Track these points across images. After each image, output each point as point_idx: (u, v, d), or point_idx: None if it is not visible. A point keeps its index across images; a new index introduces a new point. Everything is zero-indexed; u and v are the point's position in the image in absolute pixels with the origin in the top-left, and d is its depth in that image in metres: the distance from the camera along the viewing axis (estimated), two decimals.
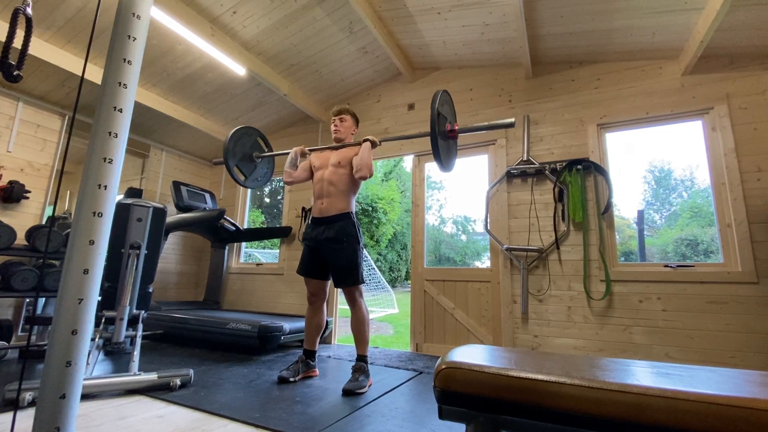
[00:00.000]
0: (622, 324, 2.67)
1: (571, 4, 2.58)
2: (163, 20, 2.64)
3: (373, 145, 2.27)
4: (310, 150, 2.48)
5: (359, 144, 2.32)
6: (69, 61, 2.92)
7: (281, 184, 7.69)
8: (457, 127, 2.07)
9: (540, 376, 0.90)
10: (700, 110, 2.72)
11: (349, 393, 2.00)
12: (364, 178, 2.23)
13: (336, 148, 2.40)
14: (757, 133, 2.53)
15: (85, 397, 1.80)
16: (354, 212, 2.34)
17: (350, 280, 2.21)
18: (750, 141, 2.54)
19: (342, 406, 1.83)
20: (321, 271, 2.33)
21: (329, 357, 2.96)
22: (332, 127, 2.45)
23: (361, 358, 2.21)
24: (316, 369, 2.41)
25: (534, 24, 2.82)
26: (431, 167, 3.79)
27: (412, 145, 3.69)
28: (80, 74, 2.99)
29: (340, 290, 3.98)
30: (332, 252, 2.23)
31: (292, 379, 2.23)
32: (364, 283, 2.26)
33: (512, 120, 1.99)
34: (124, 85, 1.00)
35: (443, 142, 2.01)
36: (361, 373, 2.14)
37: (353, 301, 2.23)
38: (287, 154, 2.52)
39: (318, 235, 2.27)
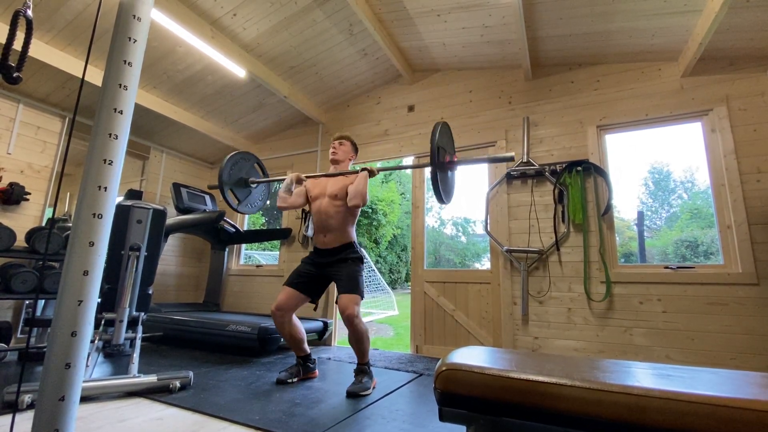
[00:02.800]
0: (622, 325, 2.67)
1: (571, 6, 2.59)
2: (163, 22, 2.65)
3: (371, 174, 2.27)
4: (307, 177, 2.46)
5: (356, 173, 2.31)
6: (69, 63, 2.92)
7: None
8: (456, 159, 2.08)
9: (541, 378, 0.90)
10: (699, 112, 2.72)
11: (354, 395, 2.01)
12: (357, 207, 2.25)
13: (333, 176, 2.38)
14: (756, 135, 2.54)
15: (85, 399, 1.80)
16: (356, 240, 2.36)
17: (350, 287, 2.17)
18: (750, 142, 2.54)
19: (342, 408, 1.82)
20: (311, 289, 2.31)
21: (329, 359, 2.96)
22: (330, 150, 2.45)
23: (363, 364, 2.20)
24: (316, 371, 2.41)
25: (533, 26, 2.82)
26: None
27: (412, 147, 3.69)
28: (81, 76, 3.00)
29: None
30: (337, 269, 2.26)
31: (290, 381, 2.23)
32: (362, 297, 2.21)
33: (512, 154, 2.04)
34: (125, 86, 1.00)
35: (443, 175, 2.00)
36: (365, 375, 2.15)
37: (350, 318, 2.10)
38: (282, 180, 2.50)
39: (323, 262, 2.30)
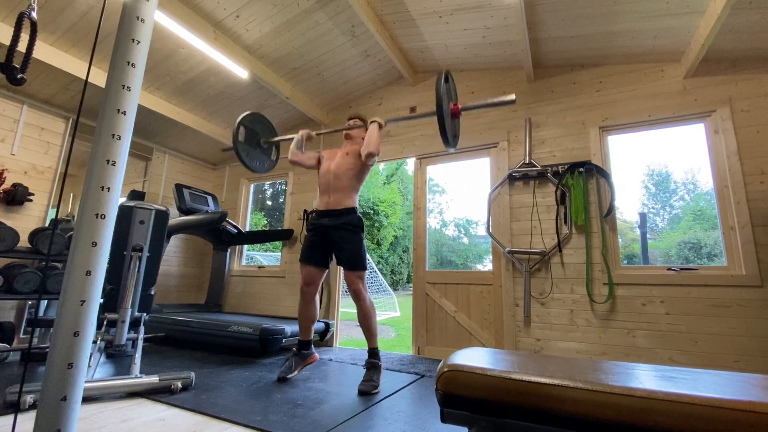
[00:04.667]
0: (625, 327, 2.66)
1: (572, 7, 2.59)
2: (166, 24, 2.66)
3: (380, 126, 2.38)
4: (317, 133, 2.63)
5: (366, 129, 2.48)
6: (73, 64, 2.94)
7: (283, 186, 7.71)
8: (460, 106, 2.16)
9: (543, 380, 0.90)
10: (702, 113, 2.71)
11: (365, 393, 2.06)
12: (372, 156, 2.28)
13: (345, 129, 2.53)
14: (760, 136, 2.52)
15: (87, 399, 1.80)
16: (357, 206, 2.41)
17: (354, 263, 2.26)
18: (753, 144, 2.53)
19: (344, 409, 1.82)
20: (321, 259, 2.38)
21: (331, 360, 2.95)
22: (346, 125, 2.57)
23: (373, 353, 2.25)
24: (315, 354, 2.45)
25: (535, 27, 2.82)
26: (433, 170, 3.78)
27: (414, 148, 3.69)
28: (84, 77, 3.01)
29: (342, 294, 3.99)
30: (339, 238, 2.31)
31: (290, 376, 2.27)
32: (366, 270, 2.31)
33: (513, 97, 2.06)
34: (128, 87, 1.01)
35: (449, 120, 2.10)
36: (375, 371, 2.20)
37: (357, 293, 2.24)
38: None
39: (324, 224, 2.35)
